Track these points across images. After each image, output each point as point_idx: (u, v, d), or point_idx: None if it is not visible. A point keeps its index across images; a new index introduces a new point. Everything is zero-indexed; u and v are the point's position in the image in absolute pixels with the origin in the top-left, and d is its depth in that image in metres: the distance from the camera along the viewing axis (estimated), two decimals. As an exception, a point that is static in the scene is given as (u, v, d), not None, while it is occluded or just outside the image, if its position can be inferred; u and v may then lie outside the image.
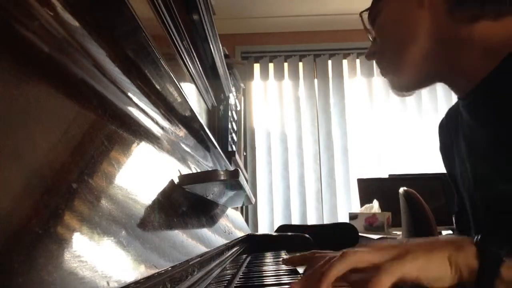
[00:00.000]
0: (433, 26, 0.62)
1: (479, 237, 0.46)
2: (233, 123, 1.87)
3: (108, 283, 0.25)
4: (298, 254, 0.72)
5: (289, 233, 1.48)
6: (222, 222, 0.87)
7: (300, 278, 0.66)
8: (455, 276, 0.44)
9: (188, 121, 0.71)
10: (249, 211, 2.98)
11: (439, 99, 3.11)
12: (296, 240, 1.39)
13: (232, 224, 1.03)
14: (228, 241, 0.83)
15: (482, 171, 0.63)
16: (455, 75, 0.65)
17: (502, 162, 0.58)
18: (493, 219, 0.63)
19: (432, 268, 0.43)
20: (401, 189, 1.81)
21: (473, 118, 0.66)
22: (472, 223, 0.72)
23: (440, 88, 3.11)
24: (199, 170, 0.77)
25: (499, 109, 0.59)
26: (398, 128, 3.05)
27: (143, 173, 0.43)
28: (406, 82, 0.69)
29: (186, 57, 0.90)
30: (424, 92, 3.11)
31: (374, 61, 0.73)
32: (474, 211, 0.70)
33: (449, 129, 0.78)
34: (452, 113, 0.78)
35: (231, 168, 1.42)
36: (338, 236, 1.91)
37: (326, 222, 2.91)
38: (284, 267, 0.85)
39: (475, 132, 0.65)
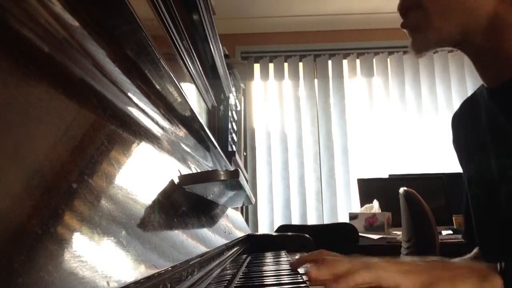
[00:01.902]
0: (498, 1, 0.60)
1: (503, 265, 0.44)
2: (233, 123, 1.87)
3: (108, 283, 0.25)
4: (305, 254, 0.71)
5: (289, 233, 1.48)
6: (222, 222, 0.87)
7: (302, 278, 0.66)
8: None
9: (188, 121, 0.71)
10: (249, 211, 2.98)
11: (439, 99, 3.11)
12: (296, 240, 1.39)
13: (232, 224, 1.03)
14: (228, 241, 0.83)
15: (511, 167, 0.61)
16: (493, 58, 0.63)
17: None
18: None
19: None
20: (401, 189, 1.81)
21: (505, 109, 0.63)
22: (481, 222, 0.69)
23: (440, 88, 3.12)
24: (199, 170, 0.77)
25: None
26: (398, 128, 3.05)
27: (143, 173, 0.43)
28: (442, 35, 0.63)
29: (186, 57, 0.90)
30: (424, 92, 3.11)
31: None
32: (494, 207, 0.67)
33: (464, 121, 0.76)
34: (468, 105, 0.75)
35: (231, 168, 1.42)
36: (338, 236, 1.91)
37: (326, 222, 2.91)
38: (284, 267, 0.85)
39: (506, 123, 0.63)
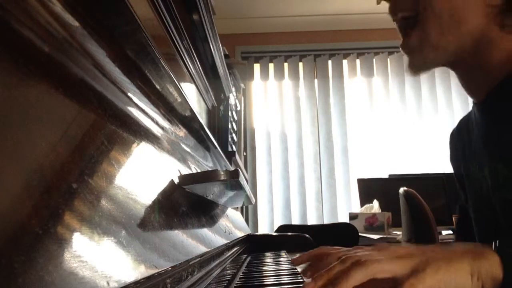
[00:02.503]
0: (484, 17, 0.61)
1: (497, 243, 0.44)
2: (233, 123, 1.87)
3: (108, 283, 0.25)
4: (305, 253, 0.71)
5: (289, 233, 1.48)
6: (222, 222, 0.87)
7: (305, 280, 0.66)
8: (477, 286, 0.42)
9: (188, 121, 0.72)
10: (249, 211, 2.98)
11: (439, 100, 3.11)
12: (296, 240, 1.39)
13: (232, 224, 1.03)
14: (228, 241, 0.83)
15: (503, 173, 0.63)
16: (478, 73, 0.65)
17: None
18: (510, 225, 0.62)
19: (454, 279, 0.42)
20: (401, 189, 1.81)
21: (490, 122, 0.66)
22: (479, 228, 0.71)
23: (440, 88, 3.12)
24: (199, 170, 0.77)
25: None
26: (398, 128, 3.05)
27: (143, 173, 0.43)
28: (439, 55, 0.65)
29: (186, 57, 0.90)
30: (424, 92, 3.12)
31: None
32: (489, 215, 0.68)
33: (460, 137, 0.78)
34: (464, 122, 0.78)
35: (231, 168, 1.42)
36: (338, 236, 1.91)
37: (326, 222, 2.91)
38: (284, 267, 0.85)
39: (494, 134, 0.65)
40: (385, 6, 0.72)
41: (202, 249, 0.55)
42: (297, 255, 1.01)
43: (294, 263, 0.73)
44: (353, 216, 2.24)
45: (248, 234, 1.34)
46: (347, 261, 0.44)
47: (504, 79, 0.62)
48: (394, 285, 0.41)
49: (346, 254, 0.46)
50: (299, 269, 0.75)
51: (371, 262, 0.42)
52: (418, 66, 0.68)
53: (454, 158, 0.82)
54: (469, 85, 0.69)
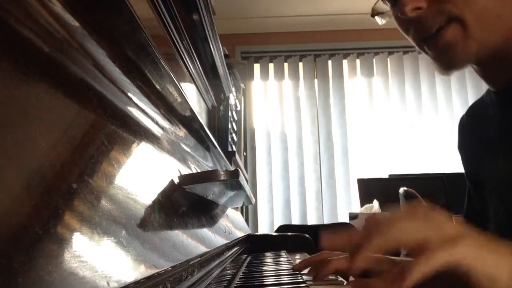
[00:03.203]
0: None
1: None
2: (233, 123, 1.87)
3: (108, 283, 0.25)
4: (306, 254, 0.70)
5: (289, 233, 1.48)
6: (222, 222, 0.87)
7: (301, 276, 0.66)
8: (510, 283, 0.37)
9: (188, 121, 0.72)
10: (249, 211, 2.98)
11: (439, 100, 3.11)
12: (296, 240, 1.38)
13: (232, 224, 1.03)
14: (228, 241, 0.83)
15: None
16: (501, 62, 0.62)
17: None
18: None
19: (490, 262, 0.36)
20: (401, 189, 1.81)
21: (510, 111, 0.63)
22: (495, 227, 0.69)
23: (440, 88, 3.12)
24: (199, 170, 0.77)
25: None
26: (398, 128, 3.05)
27: (143, 173, 0.43)
28: (480, 45, 0.59)
29: (186, 57, 0.90)
30: (424, 92, 3.12)
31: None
32: (506, 213, 0.65)
33: (471, 126, 0.75)
34: (476, 109, 0.74)
35: (231, 168, 1.42)
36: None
37: (326, 222, 2.91)
38: (284, 267, 0.85)
39: None
40: (385, 6, 0.72)
41: (202, 249, 0.55)
42: (297, 255, 1.01)
43: (295, 268, 0.72)
44: (353, 216, 2.24)
45: (248, 234, 1.34)
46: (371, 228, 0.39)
47: None
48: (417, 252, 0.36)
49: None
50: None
51: (397, 227, 0.38)
52: (458, 61, 0.62)
53: (463, 146, 0.78)
54: (489, 73, 0.65)
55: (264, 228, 2.96)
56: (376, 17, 0.68)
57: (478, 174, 0.73)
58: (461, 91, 3.09)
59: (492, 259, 0.37)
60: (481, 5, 0.58)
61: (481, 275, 0.36)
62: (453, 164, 2.93)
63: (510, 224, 0.66)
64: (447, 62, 0.62)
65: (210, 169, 0.98)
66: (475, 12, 0.58)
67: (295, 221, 2.95)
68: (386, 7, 0.66)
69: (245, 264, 0.97)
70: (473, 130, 0.75)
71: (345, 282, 0.61)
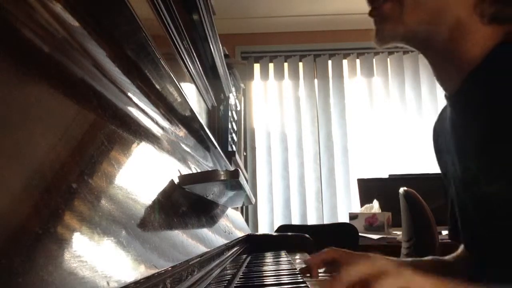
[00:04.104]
0: (465, 7, 0.60)
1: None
2: (233, 123, 1.87)
3: (108, 283, 0.25)
4: (306, 255, 0.71)
5: (289, 233, 1.48)
6: (222, 222, 0.87)
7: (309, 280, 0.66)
8: None
9: (188, 121, 0.72)
10: (249, 211, 2.98)
11: (439, 99, 3.11)
12: (296, 240, 1.38)
13: (232, 224, 1.03)
14: (228, 241, 0.83)
15: (471, 171, 0.62)
16: (449, 64, 0.64)
17: (488, 161, 0.57)
18: (483, 223, 0.62)
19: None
20: (401, 189, 1.81)
21: (460, 115, 0.65)
22: (461, 226, 0.71)
23: (440, 88, 3.11)
24: (199, 170, 0.77)
25: (484, 105, 0.58)
26: (398, 128, 3.05)
27: (143, 173, 0.43)
28: (410, 30, 0.63)
29: (186, 57, 0.90)
30: (424, 92, 3.12)
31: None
32: (463, 213, 0.68)
33: (440, 131, 0.77)
34: (442, 113, 0.77)
35: (231, 168, 1.42)
36: (338, 236, 1.91)
37: (326, 222, 2.91)
38: (284, 267, 0.85)
39: (463, 130, 0.64)
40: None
41: (202, 249, 0.55)
42: (297, 255, 1.01)
43: (303, 272, 0.72)
44: (353, 216, 2.24)
45: (248, 234, 1.34)
46: (375, 263, 0.46)
47: (471, 72, 0.60)
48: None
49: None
50: (299, 269, 0.74)
51: (395, 277, 0.43)
52: (385, 37, 0.67)
53: (436, 152, 0.81)
54: (441, 76, 0.68)
55: (264, 228, 2.96)
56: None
57: (445, 175, 0.76)
58: (461, 91, 3.09)
59: None
60: None
61: None
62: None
63: (464, 220, 0.69)
64: (379, 34, 0.67)
65: (210, 169, 0.98)
66: None
67: (295, 221, 2.95)
68: None
69: (245, 264, 0.96)
70: (440, 135, 0.77)
71: None
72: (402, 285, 0.43)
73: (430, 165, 2.92)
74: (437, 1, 0.61)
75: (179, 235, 0.47)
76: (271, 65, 3.20)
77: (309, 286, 0.58)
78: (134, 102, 0.48)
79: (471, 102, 0.62)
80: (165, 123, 0.61)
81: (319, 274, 0.68)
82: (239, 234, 1.09)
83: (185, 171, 0.61)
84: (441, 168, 0.80)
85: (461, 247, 0.79)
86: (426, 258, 0.81)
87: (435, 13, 0.62)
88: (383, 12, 0.65)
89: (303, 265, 0.73)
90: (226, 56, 1.81)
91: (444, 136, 0.74)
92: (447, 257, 0.80)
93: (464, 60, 0.61)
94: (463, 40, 0.61)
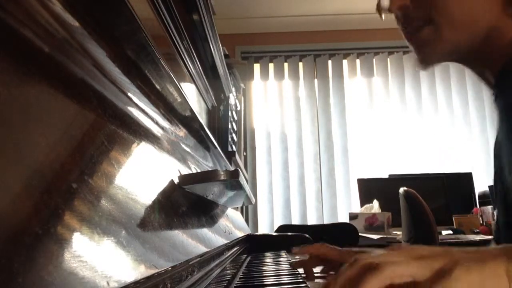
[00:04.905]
0: (494, 10, 0.62)
1: None
2: (233, 123, 1.87)
3: (108, 283, 0.25)
4: (306, 247, 0.72)
5: (289, 233, 1.48)
6: (222, 222, 0.87)
7: (303, 279, 0.66)
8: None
9: (188, 121, 0.72)
10: (249, 211, 2.98)
11: (439, 99, 3.11)
12: (296, 240, 1.38)
13: (232, 224, 1.03)
14: (228, 241, 0.83)
15: (504, 167, 0.63)
16: (490, 65, 0.66)
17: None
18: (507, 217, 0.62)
19: (488, 284, 0.36)
20: (401, 189, 1.81)
21: (498, 111, 0.66)
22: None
23: (440, 88, 3.12)
24: (199, 170, 0.77)
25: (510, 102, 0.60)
26: (398, 128, 3.05)
27: (143, 173, 0.43)
28: (452, 46, 0.65)
29: (186, 57, 0.90)
30: (424, 92, 3.11)
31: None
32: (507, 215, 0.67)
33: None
34: None
35: (231, 168, 1.42)
36: (338, 236, 1.90)
37: (326, 222, 2.91)
38: (284, 267, 0.85)
39: (501, 126, 0.66)
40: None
41: (202, 249, 0.55)
42: (297, 256, 1.00)
43: (295, 252, 0.74)
44: (353, 216, 2.24)
45: (248, 234, 1.34)
46: (358, 264, 0.38)
47: (501, 70, 0.63)
48: None
49: (357, 258, 0.40)
50: (299, 269, 0.75)
51: (387, 265, 0.37)
52: (429, 59, 0.68)
53: (495, 148, 0.82)
54: (482, 76, 0.69)
55: (264, 228, 2.96)
56: (382, 12, 0.73)
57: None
58: (461, 91, 3.09)
59: (491, 278, 0.36)
60: (456, 11, 0.63)
61: None
62: (453, 164, 2.94)
63: (506, 224, 0.68)
64: (422, 59, 0.69)
65: (210, 169, 0.98)
66: (449, 17, 0.63)
67: (295, 221, 2.95)
68: (387, 2, 0.72)
69: (245, 264, 0.96)
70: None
71: None
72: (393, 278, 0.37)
73: (430, 165, 2.92)
74: (467, 14, 0.63)
75: (179, 235, 0.47)
76: (271, 65, 3.20)
77: (309, 286, 0.58)
78: (134, 102, 0.48)
79: (500, 102, 0.64)
80: (165, 123, 0.61)
81: (315, 274, 0.69)
82: (239, 234, 1.09)
83: (185, 171, 0.61)
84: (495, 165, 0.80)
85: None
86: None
87: (469, 25, 0.63)
88: (421, 39, 0.67)
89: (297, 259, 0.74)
90: (226, 56, 1.81)
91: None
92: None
93: (499, 60, 0.63)
94: (498, 41, 0.63)
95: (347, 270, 0.38)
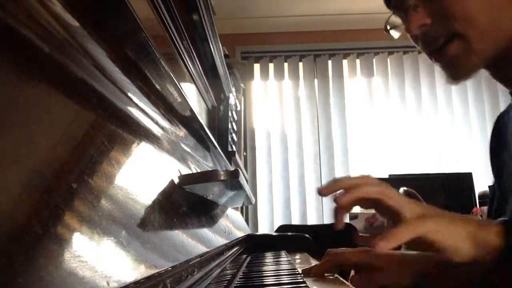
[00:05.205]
0: None
1: (505, 219, 0.46)
2: (233, 123, 1.87)
3: (108, 283, 0.25)
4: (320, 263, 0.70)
5: (289, 233, 1.48)
6: (222, 222, 0.87)
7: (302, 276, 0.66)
8: (473, 251, 0.44)
9: (188, 121, 0.72)
10: (249, 211, 2.98)
11: (439, 99, 3.11)
12: (296, 240, 1.38)
13: (232, 224, 1.03)
14: (228, 241, 0.83)
15: None
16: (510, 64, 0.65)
17: None
18: None
19: (452, 236, 0.44)
20: (401, 189, 1.81)
21: None
22: None
23: (440, 88, 3.11)
24: (199, 170, 0.77)
25: None
26: (398, 128, 3.05)
27: (143, 173, 0.43)
28: (483, 56, 0.64)
29: (186, 57, 0.90)
30: (424, 92, 3.11)
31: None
32: None
33: (502, 123, 0.76)
34: (508, 109, 0.76)
35: (231, 168, 1.42)
36: (338, 236, 1.90)
37: (326, 222, 2.91)
38: (284, 267, 0.85)
39: None
40: (384, 6, 0.72)
41: (202, 249, 0.55)
42: (297, 255, 1.01)
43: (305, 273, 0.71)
44: (353, 216, 2.24)
45: (248, 234, 1.34)
46: (366, 179, 0.50)
47: None
48: (395, 219, 0.45)
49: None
50: (299, 269, 0.74)
51: (387, 187, 0.46)
52: (463, 73, 0.66)
53: (493, 146, 0.79)
54: (502, 77, 0.69)
55: (264, 228, 2.96)
56: (391, 31, 0.72)
57: (500, 171, 0.74)
58: (461, 91, 3.09)
59: (456, 232, 0.45)
60: (482, 21, 0.62)
61: (446, 246, 0.45)
62: (453, 164, 2.94)
63: None
64: (453, 74, 0.67)
65: (210, 169, 0.98)
66: (477, 28, 0.62)
67: (295, 221, 2.95)
68: (399, 20, 0.70)
69: (245, 264, 0.96)
70: (504, 128, 0.76)
71: (346, 282, 0.62)
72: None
73: (430, 165, 2.92)
74: (493, 22, 0.62)
75: (179, 235, 0.47)
76: (271, 65, 3.20)
77: (309, 286, 0.58)
78: (134, 102, 0.48)
79: None
80: (165, 123, 0.61)
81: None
82: (239, 234, 1.09)
83: (185, 171, 0.61)
84: (493, 165, 0.78)
85: None
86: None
87: (496, 33, 0.62)
88: (450, 55, 0.65)
89: (304, 266, 0.73)
90: (226, 56, 1.81)
91: (506, 131, 0.73)
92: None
93: None
94: None
95: (353, 179, 0.54)
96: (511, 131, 0.70)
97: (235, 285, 0.64)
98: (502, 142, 0.74)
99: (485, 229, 0.44)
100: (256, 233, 1.49)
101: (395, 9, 0.70)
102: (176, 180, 0.54)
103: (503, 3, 0.61)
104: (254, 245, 1.34)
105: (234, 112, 1.89)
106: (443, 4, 0.62)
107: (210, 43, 1.23)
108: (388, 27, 0.71)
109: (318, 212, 2.99)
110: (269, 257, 1.11)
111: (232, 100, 1.80)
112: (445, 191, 2.43)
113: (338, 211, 0.55)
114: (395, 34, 0.71)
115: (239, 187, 0.69)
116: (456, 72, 0.66)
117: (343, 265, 0.67)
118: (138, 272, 0.30)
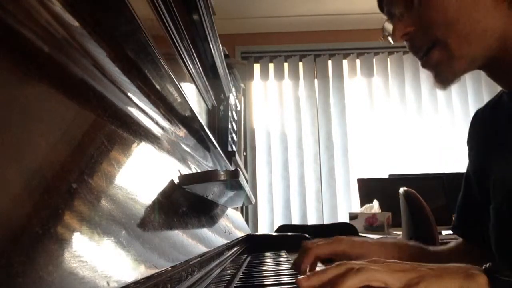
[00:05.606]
0: (500, 14, 0.62)
1: (488, 265, 0.46)
2: (233, 123, 1.87)
3: (108, 283, 0.25)
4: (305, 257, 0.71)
5: (289, 233, 1.48)
6: (222, 222, 0.87)
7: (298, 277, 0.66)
8: None
9: (188, 121, 0.72)
10: (249, 211, 2.98)
11: (439, 99, 3.11)
12: (296, 240, 1.38)
13: (232, 224, 1.03)
14: (228, 241, 0.83)
15: None
16: (509, 63, 0.65)
17: None
18: None
19: None
20: (401, 189, 1.81)
21: None
22: (495, 224, 0.69)
23: (440, 88, 3.11)
24: (199, 170, 0.77)
25: None
26: (398, 128, 3.05)
27: (143, 173, 0.43)
28: (467, 61, 0.65)
29: (186, 57, 0.90)
30: (424, 92, 3.12)
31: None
32: (508, 211, 0.67)
33: (485, 121, 0.76)
34: (491, 106, 0.76)
35: (231, 168, 1.42)
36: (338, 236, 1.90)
37: (326, 222, 2.91)
38: (284, 267, 0.85)
39: None
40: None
41: (202, 249, 0.55)
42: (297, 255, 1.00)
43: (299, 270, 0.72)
44: (353, 216, 2.24)
45: (248, 234, 1.34)
46: (343, 266, 0.45)
47: None
48: None
49: (342, 262, 0.47)
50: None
51: (367, 270, 0.44)
52: (447, 78, 0.68)
53: (472, 140, 0.80)
54: (498, 76, 0.69)
55: (264, 228, 2.96)
56: (388, 38, 0.74)
57: (484, 170, 0.73)
58: (461, 91, 3.09)
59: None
60: (462, 26, 0.63)
61: None
62: (453, 164, 2.94)
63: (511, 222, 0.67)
64: (439, 79, 0.69)
65: (210, 169, 0.98)
66: (457, 33, 0.63)
67: (295, 221, 2.95)
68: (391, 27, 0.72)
69: (245, 264, 0.96)
70: (485, 126, 0.76)
71: None
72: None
73: (430, 165, 2.92)
74: (474, 26, 0.62)
75: (179, 235, 0.47)
76: (271, 65, 3.20)
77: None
78: (134, 102, 0.48)
79: None
80: (165, 123, 0.61)
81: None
82: (239, 234, 1.09)
83: (185, 171, 0.61)
84: (471, 159, 0.79)
85: (456, 242, 0.82)
86: (411, 242, 0.82)
87: (480, 36, 0.63)
88: (433, 60, 0.66)
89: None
90: (226, 56, 1.81)
91: (491, 128, 0.74)
92: (433, 248, 0.82)
93: None
94: None
95: (331, 269, 0.46)
96: (505, 127, 0.70)
97: (235, 285, 0.64)
98: (489, 135, 0.74)
99: (473, 280, 0.45)
100: (256, 233, 1.49)
101: (387, 16, 0.73)
102: (176, 180, 0.54)
103: (487, 4, 0.62)
104: (254, 245, 1.34)
105: (234, 112, 1.89)
106: (423, 12, 0.64)
107: (210, 43, 1.23)
108: (386, 33, 0.74)
109: (318, 212, 2.99)
110: (269, 257, 1.11)
111: (232, 100, 1.80)
112: (445, 191, 2.43)
113: None
114: (391, 40, 0.73)
115: (239, 187, 0.69)
116: (441, 77, 0.68)
117: (319, 258, 0.69)
118: (138, 272, 0.30)
